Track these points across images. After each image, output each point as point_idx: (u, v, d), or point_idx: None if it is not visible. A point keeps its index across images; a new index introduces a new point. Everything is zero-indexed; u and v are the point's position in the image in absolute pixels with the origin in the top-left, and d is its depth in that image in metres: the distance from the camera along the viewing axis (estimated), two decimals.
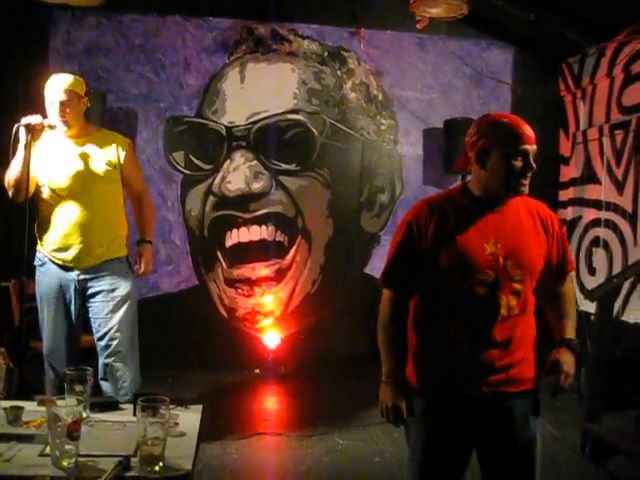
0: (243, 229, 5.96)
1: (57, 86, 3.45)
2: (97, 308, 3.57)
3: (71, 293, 3.54)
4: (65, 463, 1.82)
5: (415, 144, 6.30)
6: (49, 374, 3.57)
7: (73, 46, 5.80)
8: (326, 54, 6.10)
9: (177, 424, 2.18)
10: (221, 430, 4.23)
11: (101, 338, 3.58)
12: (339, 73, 6.13)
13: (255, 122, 5.94)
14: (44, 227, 3.52)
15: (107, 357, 3.57)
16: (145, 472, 1.81)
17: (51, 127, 3.43)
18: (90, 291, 3.56)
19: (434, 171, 6.26)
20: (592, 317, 5.19)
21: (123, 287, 3.58)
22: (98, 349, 3.61)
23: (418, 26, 5.48)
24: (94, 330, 3.61)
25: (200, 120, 5.96)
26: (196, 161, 5.96)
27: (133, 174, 3.71)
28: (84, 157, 3.51)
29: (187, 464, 1.88)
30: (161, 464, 1.83)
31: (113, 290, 3.56)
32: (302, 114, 6.02)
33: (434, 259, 2.15)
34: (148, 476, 1.80)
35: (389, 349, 2.23)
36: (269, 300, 6.08)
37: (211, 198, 5.95)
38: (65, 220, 3.46)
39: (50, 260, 3.54)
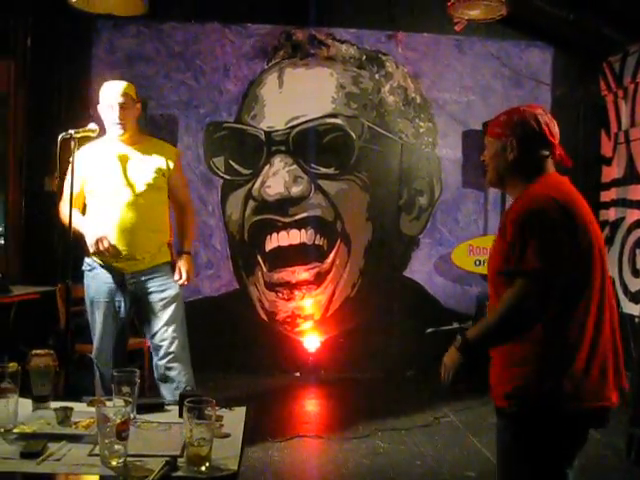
0: (283, 233, 5.99)
1: (115, 90, 3.53)
2: (147, 309, 3.61)
3: (121, 297, 3.58)
4: (114, 462, 1.85)
5: (454, 146, 6.27)
6: (97, 376, 3.63)
7: (115, 55, 5.91)
8: (364, 58, 6.11)
9: (222, 425, 2.20)
10: (262, 432, 4.25)
11: (151, 338, 3.64)
12: (377, 77, 6.14)
13: (294, 127, 5.98)
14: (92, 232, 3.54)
15: (161, 359, 3.62)
16: (192, 472, 1.82)
17: (93, 132, 3.48)
18: (140, 294, 3.60)
19: (473, 173, 6.21)
20: (637, 320, 5.11)
21: (171, 289, 3.63)
22: (151, 350, 3.68)
23: (456, 28, 5.45)
24: (145, 331, 3.67)
25: (239, 125, 6.02)
26: (236, 166, 6.01)
27: (179, 184, 3.76)
28: (135, 164, 3.56)
29: (233, 465, 1.89)
30: (208, 464, 1.84)
31: (162, 291, 3.60)
32: (340, 118, 6.04)
33: None
34: (195, 476, 1.82)
35: None
36: (309, 303, 6.10)
37: (251, 202, 6.00)
38: (113, 226, 3.50)
39: (99, 265, 3.59)
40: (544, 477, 2.08)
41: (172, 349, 3.60)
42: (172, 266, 3.68)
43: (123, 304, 3.60)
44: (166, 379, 3.62)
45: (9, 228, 5.79)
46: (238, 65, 6.05)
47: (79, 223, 3.53)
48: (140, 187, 3.54)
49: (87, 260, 3.63)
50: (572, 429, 2.06)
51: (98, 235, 3.44)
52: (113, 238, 3.50)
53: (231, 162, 6.01)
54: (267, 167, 5.98)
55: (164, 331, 3.60)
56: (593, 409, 2.04)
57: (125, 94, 3.53)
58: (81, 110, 5.70)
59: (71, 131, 3.37)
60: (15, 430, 2.08)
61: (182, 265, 3.67)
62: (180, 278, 3.65)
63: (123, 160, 3.56)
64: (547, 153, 2.14)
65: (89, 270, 3.63)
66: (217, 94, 6.03)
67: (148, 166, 3.59)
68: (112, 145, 3.59)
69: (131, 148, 3.60)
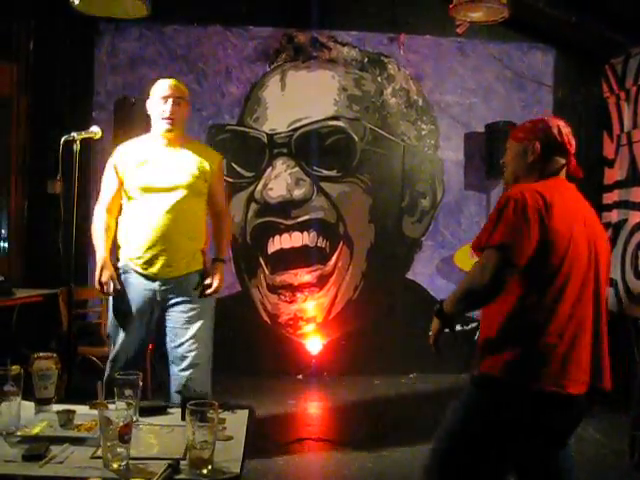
0: (285, 235, 6.00)
1: (169, 83, 3.44)
2: (175, 318, 3.46)
3: (152, 305, 3.44)
4: (116, 465, 1.85)
5: (456, 149, 6.27)
6: (105, 378, 3.53)
7: (117, 57, 5.93)
8: (366, 60, 6.12)
9: (225, 428, 2.19)
10: (265, 435, 4.24)
11: (177, 347, 3.46)
12: (379, 79, 6.15)
13: (296, 129, 5.98)
14: (128, 235, 3.45)
15: (184, 369, 3.45)
16: (195, 475, 1.83)
17: (95, 134, 3.45)
18: (170, 302, 3.45)
19: (476, 176, 6.23)
20: (639, 322, 5.10)
21: (203, 301, 3.48)
22: (172, 359, 3.49)
23: (458, 30, 5.46)
24: (170, 340, 3.49)
25: (242, 128, 6.03)
26: (238, 169, 6.02)
27: (218, 191, 3.63)
28: (178, 167, 3.43)
29: (235, 467, 1.89)
30: (210, 467, 1.84)
31: (193, 302, 3.45)
32: (343, 120, 6.05)
33: None
34: (198, 479, 1.82)
35: None
36: (311, 306, 6.10)
37: (253, 205, 6.00)
38: (150, 229, 3.37)
39: (133, 270, 3.43)
40: (478, 449, 2.21)
41: (198, 361, 3.45)
42: (203, 274, 3.54)
43: (154, 312, 3.46)
44: (187, 391, 3.41)
45: (12, 230, 5.80)
46: (240, 68, 6.06)
47: (98, 247, 3.44)
48: (181, 191, 3.40)
49: (119, 264, 3.48)
50: (523, 409, 2.11)
51: (103, 273, 3.36)
52: (150, 243, 3.37)
53: (233, 165, 6.01)
54: (269, 170, 5.98)
55: (192, 342, 3.43)
56: (548, 393, 2.09)
57: (179, 89, 3.44)
58: (84, 113, 5.73)
59: (74, 134, 3.36)
60: (18, 433, 2.08)
61: (215, 274, 3.54)
62: (211, 287, 3.51)
63: (165, 162, 3.43)
64: (563, 161, 2.30)
65: (122, 273, 3.47)
66: (219, 97, 6.04)
67: (191, 170, 3.44)
68: (156, 145, 3.47)
69: (175, 150, 3.46)
